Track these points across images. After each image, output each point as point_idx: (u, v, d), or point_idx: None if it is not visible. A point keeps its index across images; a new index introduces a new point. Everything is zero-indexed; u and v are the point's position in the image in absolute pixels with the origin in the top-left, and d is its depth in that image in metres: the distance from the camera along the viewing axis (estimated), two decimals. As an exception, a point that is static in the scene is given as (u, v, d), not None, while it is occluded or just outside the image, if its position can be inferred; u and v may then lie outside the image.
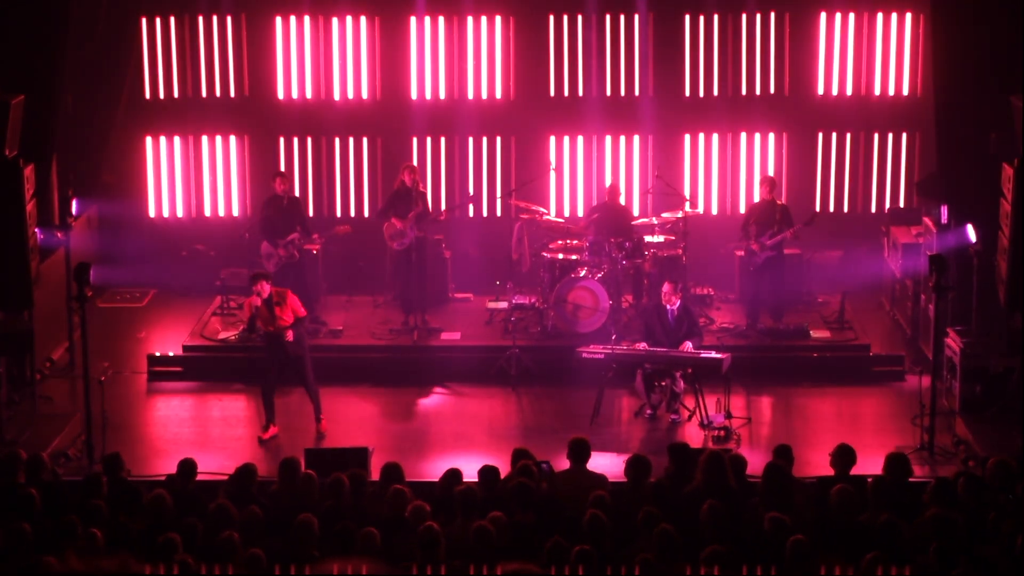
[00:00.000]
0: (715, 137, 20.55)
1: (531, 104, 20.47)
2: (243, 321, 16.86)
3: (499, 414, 16.53)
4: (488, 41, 20.32)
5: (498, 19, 20.29)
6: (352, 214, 20.70)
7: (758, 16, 20.17)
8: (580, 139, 20.58)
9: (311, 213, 20.19)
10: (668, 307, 16.16)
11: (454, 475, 12.18)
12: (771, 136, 20.50)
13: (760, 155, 20.53)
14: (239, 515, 11.25)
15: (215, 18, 20.35)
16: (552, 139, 20.54)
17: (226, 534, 10.68)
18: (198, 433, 16.09)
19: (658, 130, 20.49)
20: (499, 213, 20.52)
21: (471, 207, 20.31)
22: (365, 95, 20.50)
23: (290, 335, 15.71)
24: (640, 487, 12.06)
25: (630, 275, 18.48)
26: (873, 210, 20.58)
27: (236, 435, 15.97)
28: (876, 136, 20.50)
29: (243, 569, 10.15)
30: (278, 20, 20.32)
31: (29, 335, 15.94)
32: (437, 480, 12.34)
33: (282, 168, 20.11)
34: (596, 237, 18.08)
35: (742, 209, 19.98)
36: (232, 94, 20.52)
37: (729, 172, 20.60)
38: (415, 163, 19.62)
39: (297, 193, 19.95)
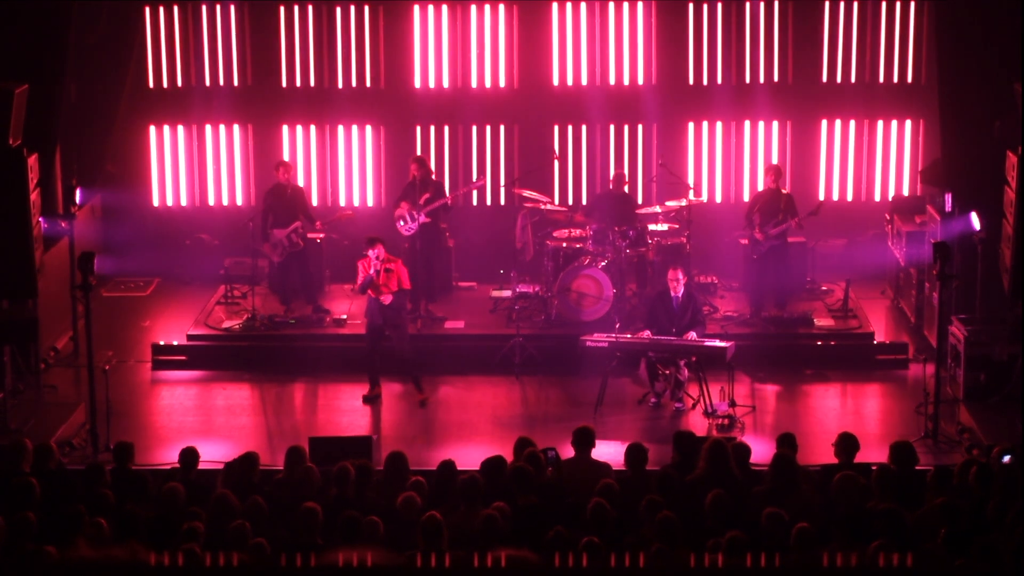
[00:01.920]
0: (719, 125, 20.54)
1: (535, 93, 20.47)
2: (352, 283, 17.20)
3: (503, 403, 16.54)
4: (492, 30, 20.30)
5: (501, 8, 20.27)
6: (356, 203, 20.70)
7: (761, 4, 20.14)
8: (584, 128, 20.58)
9: (315, 202, 20.19)
10: (673, 294, 16.17)
11: (448, 466, 12.19)
12: (775, 124, 20.49)
13: (764, 143, 20.52)
14: (243, 504, 11.26)
15: (218, 7, 20.33)
16: (556, 128, 20.54)
17: (237, 523, 10.70)
18: (202, 422, 16.10)
19: (662, 119, 20.48)
20: (503, 202, 20.52)
21: (475, 194, 20.30)
22: (369, 84, 20.49)
23: (388, 299, 16.09)
24: (640, 475, 12.07)
25: (634, 263, 18.48)
26: (877, 198, 20.57)
27: (240, 424, 15.98)
28: (880, 124, 20.48)
29: (248, 558, 10.15)
30: (281, 9, 20.31)
31: (33, 324, 15.94)
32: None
33: (286, 157, 20.11)
34: (600, 226, 18.07)
35: (746, 197, 19.99)
36: (236, 83, 20.51)
37: (733, 160, 20.60)
38: (420, 153, 19.66)
39: (301, 182, 19.96)
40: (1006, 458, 12.06)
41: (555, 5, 20.25)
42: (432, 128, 20.54)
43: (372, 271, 16.05)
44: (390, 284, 16.12)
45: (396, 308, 16.31)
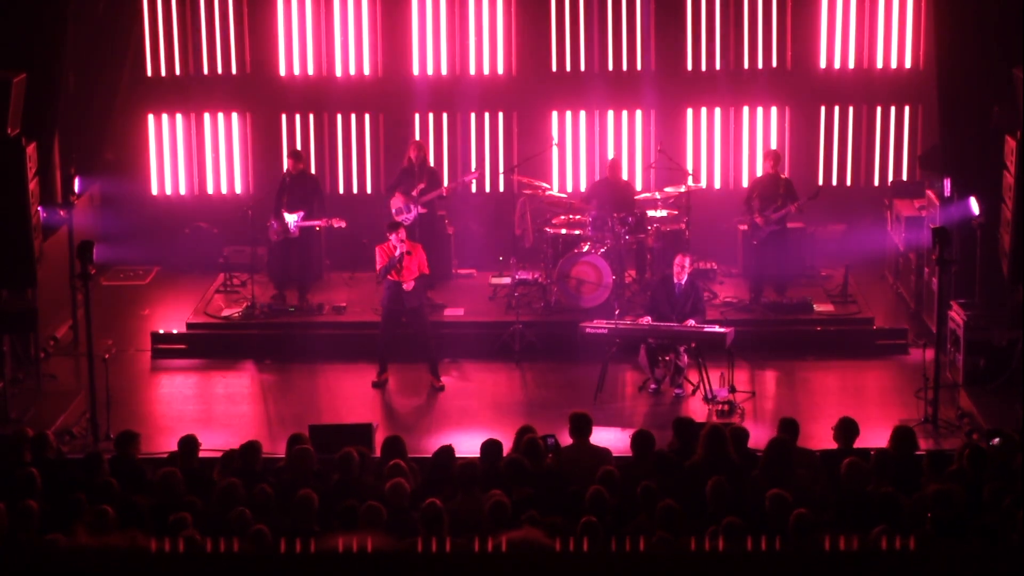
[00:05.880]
0: (718, 111, 20.51)
1: (533, 79, 20.45)
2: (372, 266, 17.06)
3: (503, 390, 16.55)
4: (490, 16, 20.27)
5: (499, -6, 20.28)
6: (355, 191, 20.71)
7: (760, -11, 20.13)
8: (582, 114, 20.56)
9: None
10: (676, 280, 16.17)
11: (446, 451, 12.19)
12: (774, 110, 20.46)
13: (763, 129, 20.50)
14: (246, 493, 11.27)
15: (216, -5, 20.34)
16: (554, 114, 20.51)
17: (238, 510, 10.71)
18: (202, 410, 16.11)
19: (660, 104, 20.45)
20: (502, 189, 20.52)
21: (474, 183, 20.30)
22: (367, 71, 20.47)
23: (409, 285, 16.14)
24: (645, 461, 12.08)
25: (633, 250, 18.48)
26: (876, 183, 20.56)
27: (240, 412, 15.99)
28: (879, 109, 20.46)
29: (247, 545, 10.15)
30: (279, -4, 20.32)
31: (33, 313, 15.95)
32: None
33: (285, 146, 20.09)
34: (599, 212, 18.07)
35: (745, 183, 19.97)
36: (234, 71, 20.49)
37: (732, 146, 20.58)
38: (418, 139, 19.63)
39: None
40: (995, 440, 12.11)
41: (553, -9, 20.24)
42: (431, 115, 20.52)
43: (397, 253, 16.07)
44: (411, 268, 16.15)
45: (416, 294, 16.33)
